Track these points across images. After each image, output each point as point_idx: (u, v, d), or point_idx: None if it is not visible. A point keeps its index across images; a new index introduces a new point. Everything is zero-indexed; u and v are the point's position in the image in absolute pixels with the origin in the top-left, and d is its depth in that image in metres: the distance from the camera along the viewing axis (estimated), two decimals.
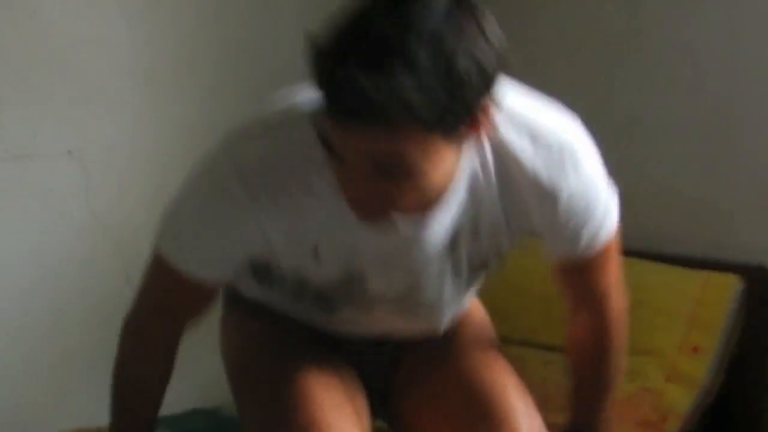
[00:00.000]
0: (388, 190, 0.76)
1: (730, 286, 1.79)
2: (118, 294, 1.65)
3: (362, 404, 1.07)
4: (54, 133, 1.90)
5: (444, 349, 1.09)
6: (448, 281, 0.97)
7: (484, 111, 0.76)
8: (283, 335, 1.07)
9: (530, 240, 1.16)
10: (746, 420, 1.86)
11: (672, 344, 1.78)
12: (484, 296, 1.47)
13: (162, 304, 0.99)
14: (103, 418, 1.39)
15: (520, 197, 0.90)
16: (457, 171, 0.82)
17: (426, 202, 0.82)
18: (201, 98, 2.15)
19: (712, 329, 1.77)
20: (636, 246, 1.74)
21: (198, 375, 1.85)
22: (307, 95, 0.79)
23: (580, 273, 1.04)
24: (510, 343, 1.79)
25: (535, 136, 0.86)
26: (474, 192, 0.87)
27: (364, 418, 1.07)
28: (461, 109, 0.73)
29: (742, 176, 1.92)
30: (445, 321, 1.06)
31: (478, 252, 0.95)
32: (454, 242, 0.91)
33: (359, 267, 0.92)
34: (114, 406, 1.04)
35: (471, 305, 1.13)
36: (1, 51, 1.86)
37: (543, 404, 1.75)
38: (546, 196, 0.89)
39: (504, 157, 0.87)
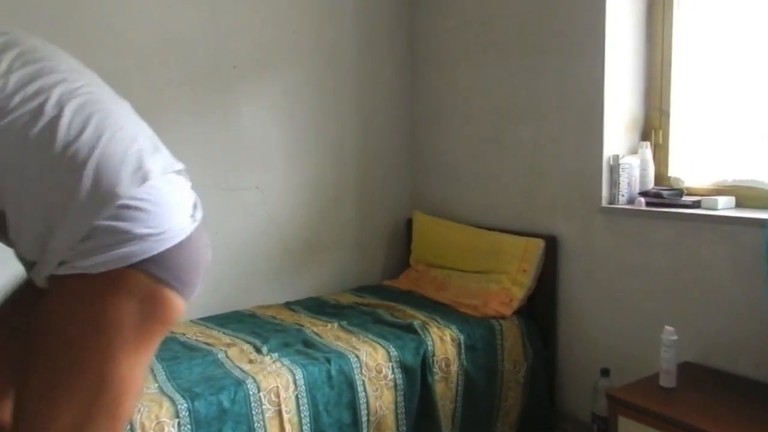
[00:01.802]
0: None
1: (539, 243, 2.74)
2: (276, 249, 2.92)
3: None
4: (248, 176, 2.80)
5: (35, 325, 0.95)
6: None
7: None
8: None
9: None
10: (544, 302, 2.77)
11: (514, 269, 2.77)
12: (428, 246, 2.64)
13: None
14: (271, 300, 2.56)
15: None
16: None
17: None
18: (323, 155, 3.01)
19: (531, 263, 2.73)
20: (499, 225, 2.92)
21: None
22: None
23: None
24: (442, 267, 3.00)
25: None
26: None
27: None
28: None
29: (549, 187, 2.74)
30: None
31: None
32: None
33: None
34: None
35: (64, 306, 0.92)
36: (223, 148, 2.66)
37: (463, 292, 2.76)
38: None
39: None
